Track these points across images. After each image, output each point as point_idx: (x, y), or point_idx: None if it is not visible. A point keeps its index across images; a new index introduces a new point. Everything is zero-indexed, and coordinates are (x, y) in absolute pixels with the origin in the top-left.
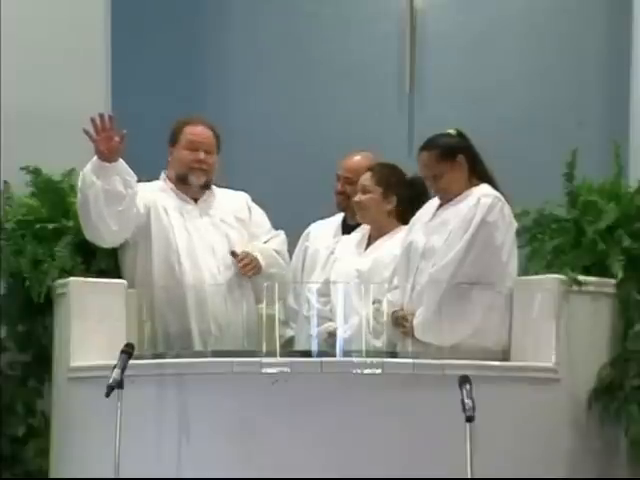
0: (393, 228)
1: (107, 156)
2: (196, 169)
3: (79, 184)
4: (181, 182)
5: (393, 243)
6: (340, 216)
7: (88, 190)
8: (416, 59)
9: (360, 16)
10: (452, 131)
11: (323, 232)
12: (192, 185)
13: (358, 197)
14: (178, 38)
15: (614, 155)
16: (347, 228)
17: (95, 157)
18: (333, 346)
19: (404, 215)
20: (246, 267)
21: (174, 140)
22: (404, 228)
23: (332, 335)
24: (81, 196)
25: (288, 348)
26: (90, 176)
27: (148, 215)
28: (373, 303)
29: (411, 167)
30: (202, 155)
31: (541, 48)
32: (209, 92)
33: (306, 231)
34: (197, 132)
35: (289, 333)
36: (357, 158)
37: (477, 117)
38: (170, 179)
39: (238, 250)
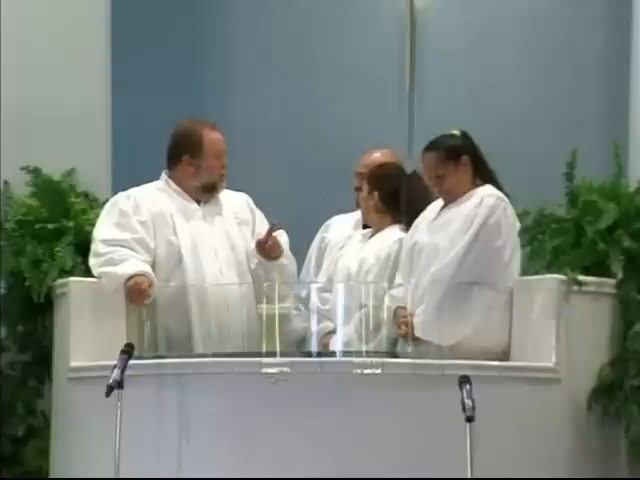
0: (385, 225)
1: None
2: (223, 175)
3: (101, 267)
4: (208, 190)
5: (379, 244)
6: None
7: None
8: (416, 59)
9: (360, 16)
10: (456, 132)
11: (342, 226)
12: (218, 192)
13: None
14: (178, 38)
15: (614, 155)
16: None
17: (123, 283)
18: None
19: (392, 211)
20: (274, 245)
21: (196, 150)
22: (389, 228)
23: (330, 333)
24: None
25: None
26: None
27: (154, 222)
28: (360, 308)
29: (411, 167)
30: (226, 160)
31: (541, 48)
32: (209, 92)
33: (326, 223)
34: (219, 139)
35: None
36: (375, 155)
37: (477, 117)
38: (183, 187)
39: (241, 249)
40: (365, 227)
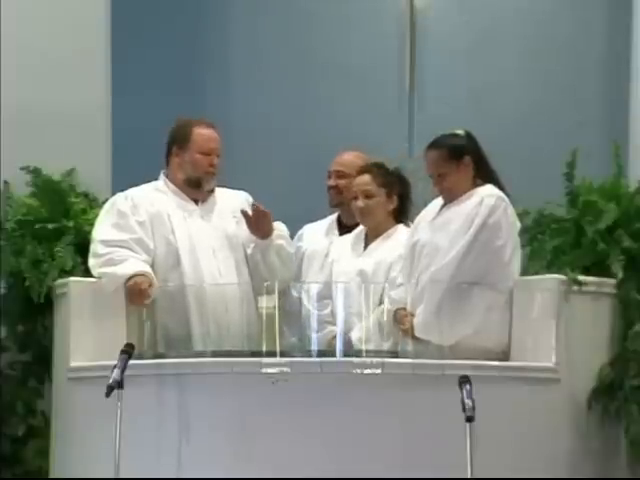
0: (391, 227)
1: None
2: (210, 174)
3: (101, 267)
4: (192, 186)
5: (394, 243)
6: (333, 216)
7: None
8: (416, 59)
9: (360, 16)
10: (460, 132)
11: (317, 233)
12: (203, 189)
13: (361, 202)
14: (178, 38)
15: (614, 155)
16: (343, 227)
17: (123, 284)
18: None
19: (402, 212)
20: (265, 214)
21: (183, 142)
22: (400, 227)
23: (335, 338)
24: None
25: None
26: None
27: (152, 222)
28: (381, 304)
29: (411, 167)
30: (215, 160)
31: (541, 48)
32: (209, 92)
33: (299, 232)
34: (210, 136)
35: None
36: (348, 156)
37: (477, 117)
38: (174, 181)
39: (239, 247)
40: (343, 229)
